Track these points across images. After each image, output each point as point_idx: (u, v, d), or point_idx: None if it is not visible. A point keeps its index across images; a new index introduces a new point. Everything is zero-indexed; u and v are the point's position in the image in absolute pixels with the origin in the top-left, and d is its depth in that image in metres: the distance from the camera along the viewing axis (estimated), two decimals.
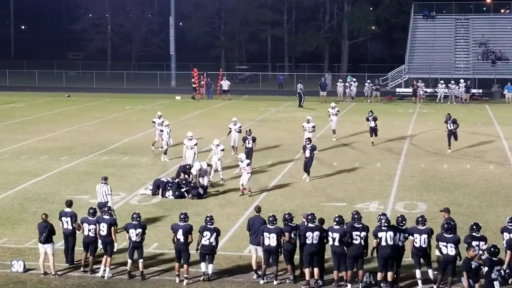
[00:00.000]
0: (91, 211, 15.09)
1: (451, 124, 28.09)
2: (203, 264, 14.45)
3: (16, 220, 18.66)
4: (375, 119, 29.50)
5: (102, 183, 17.81)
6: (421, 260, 14.05)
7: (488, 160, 26.96)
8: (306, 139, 23.90)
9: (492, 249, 12.59)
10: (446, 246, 13.60)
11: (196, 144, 23.96)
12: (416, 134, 33.35)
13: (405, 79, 54.82)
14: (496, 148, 29.81)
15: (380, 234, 13.82)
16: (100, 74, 65.51)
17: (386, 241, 13.78)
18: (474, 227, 13.85)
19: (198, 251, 14.37)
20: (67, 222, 15.35)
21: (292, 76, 60.45)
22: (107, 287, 14.28)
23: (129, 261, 14.65)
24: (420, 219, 14.13)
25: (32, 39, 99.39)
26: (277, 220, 14.39)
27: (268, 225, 14.31)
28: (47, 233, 14.79)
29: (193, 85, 49.80)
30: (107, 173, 24.52)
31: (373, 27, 73.61)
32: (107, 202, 17.24)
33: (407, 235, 14.02)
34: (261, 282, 14.27)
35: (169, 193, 21.05)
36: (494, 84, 52.72)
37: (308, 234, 14.01)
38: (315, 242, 14.01)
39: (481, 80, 53.58)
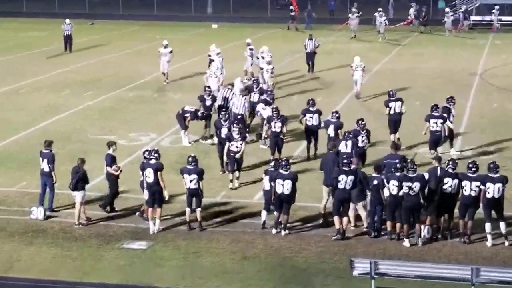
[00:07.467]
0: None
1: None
2: (264, 213, 14.71)
3: (36, 163, 18.55)
4: None
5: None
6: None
7: None
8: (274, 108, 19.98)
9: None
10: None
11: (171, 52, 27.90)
12: (489, 69, 32.58)
13: (476, 5, 53.25)
14: None
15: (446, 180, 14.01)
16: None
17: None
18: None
19: (274, 201, 14.47)
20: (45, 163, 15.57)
21: (345, 2, 59.08)
22: (133, 237, 14.46)
23: (188, 209, 14.70)
24: (492, 165, 13.97)
25: None
26: (290, 165, 14.58)
27: (281, 171, 14.38)
28: (76, 179, 14.92)
29: (291, 13, 48.94)
30: (135, 110, 24.71)
31: None
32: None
33: (479, 183, 13.85)
34: (274, 231, 14.57)
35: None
36: None
37: (341, 177, 14.14)
38: (348, 187, 14.20)
39: None
